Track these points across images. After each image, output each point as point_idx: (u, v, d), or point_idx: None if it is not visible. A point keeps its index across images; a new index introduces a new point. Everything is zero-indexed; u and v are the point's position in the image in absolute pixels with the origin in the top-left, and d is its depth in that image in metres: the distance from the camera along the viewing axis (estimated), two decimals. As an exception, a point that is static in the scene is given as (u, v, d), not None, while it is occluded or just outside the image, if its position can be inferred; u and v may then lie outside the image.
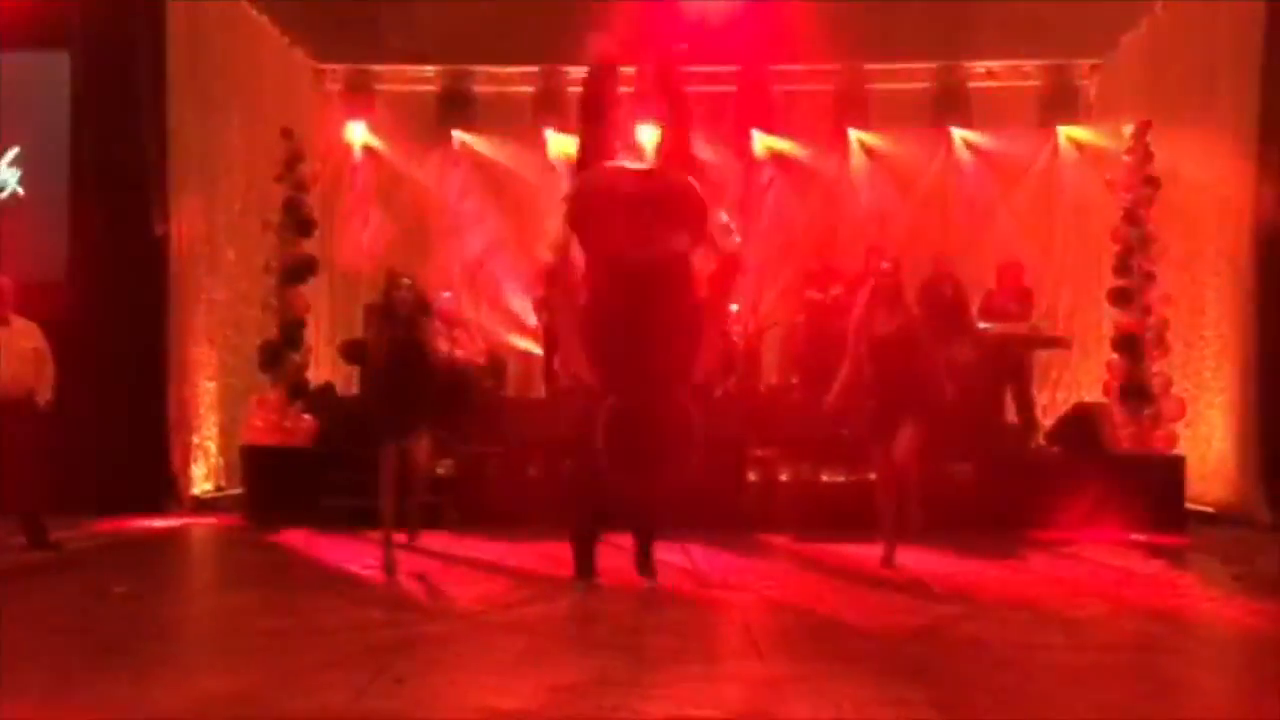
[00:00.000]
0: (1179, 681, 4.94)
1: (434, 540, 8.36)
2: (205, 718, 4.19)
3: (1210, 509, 9.93)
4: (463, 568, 7.48)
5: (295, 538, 8.47)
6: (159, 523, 9.42)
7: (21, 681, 4.56)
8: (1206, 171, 10.36)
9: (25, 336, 7.96)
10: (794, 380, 11.52)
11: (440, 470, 9.67)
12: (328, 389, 11.10)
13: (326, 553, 7.81)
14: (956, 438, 9.37)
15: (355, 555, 7.76)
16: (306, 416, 9.98)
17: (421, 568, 7.41)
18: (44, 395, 7.97)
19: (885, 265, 7.37)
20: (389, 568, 7.06)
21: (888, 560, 7.27)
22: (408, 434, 7.03)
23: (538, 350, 12.25)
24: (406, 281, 7.23)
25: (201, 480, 10.49)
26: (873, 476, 7.59)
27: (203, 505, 10.20)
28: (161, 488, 9.98)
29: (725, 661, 5.14)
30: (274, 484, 9.56)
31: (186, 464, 10.26)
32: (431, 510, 9.11)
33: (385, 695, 4.38)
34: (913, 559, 7.57)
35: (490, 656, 5.05)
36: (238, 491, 10.12)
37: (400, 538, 7.41)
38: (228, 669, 4.95)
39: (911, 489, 7.19)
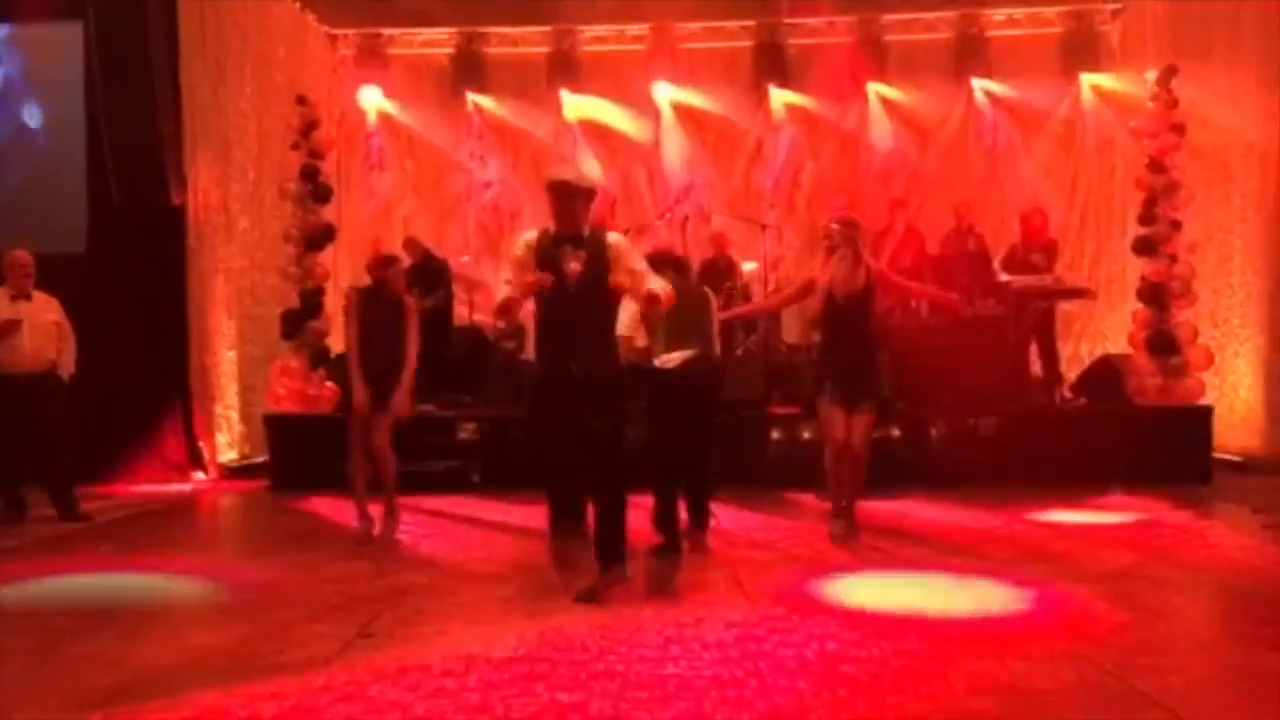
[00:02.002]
0: (1210, 632, 4.92)
1: (458, 504, 8.40)
2: (192, 671, 4.22)
3: (1238, 458, 9.86)
4: (485, 530, 7.50)
5: (320, 504, 8.51)
6: (185, 492, 9.49)
7: (12, 642, 4.64)
8: (1232, 116, 10.20)
9: (46, 310, 7.99)
10: (815, 338, 11.45)
11: (463, 434, 9.71)
12: (349, 356, 11.11)
13: (352, 519, 7.81)
14: (980, 391, 9.36)
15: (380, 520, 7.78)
16: (329, 384, 10.00)
17: (446, 531, 7.45)
18: (66, 368, 8.01)
19: (834, 226, 6.87)
20: (363, 535, 7.01)
21: (846, 533, 6.84)
22: (370, 407, 7.02)
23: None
24: (395, 262, 7.26)
25: (226, 449, 10.55)
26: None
27: (228, 473, 10.27)
28: (187, 457, 10.06)
29: (728, 610, 5.13)
30: (298, 451, 9.60)
31: (210, 433, 10.31)
32: (455, 474, 9.23)
33: (372, 646, 4.41)
34: (938, 513, 7.55)
35: (482, 608, 5.07)
36: (262, 459, 10.18)
37: (376, 508, 7.19)
38: (216, 623, 4.99)
39: (860, 463, 6.83)
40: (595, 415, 5.08)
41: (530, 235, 5.29)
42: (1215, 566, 6.21)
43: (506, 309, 5.30)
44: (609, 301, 5.24)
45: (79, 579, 6.07)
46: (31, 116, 10.48)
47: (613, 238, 5.29)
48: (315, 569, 6.07)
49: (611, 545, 5.26)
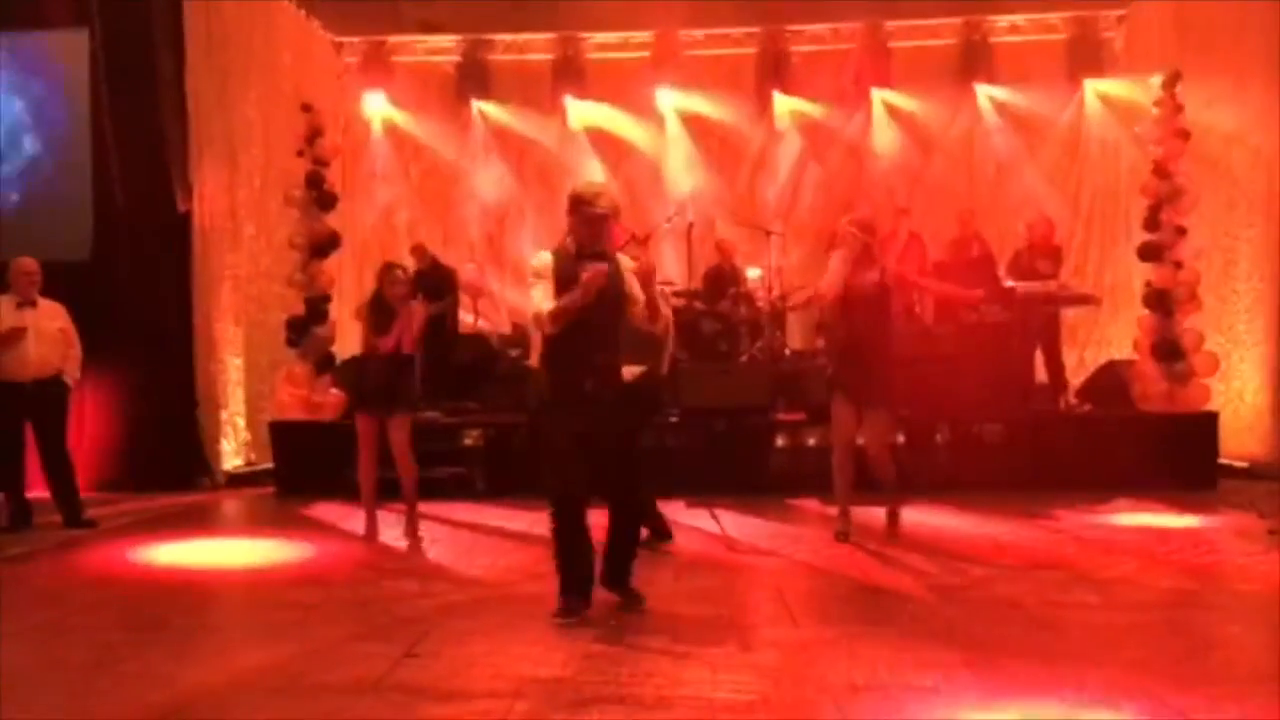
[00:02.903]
0: (1216, 638, 4.90)
1: (463, 510, 8.40)
2: (242, 690, 4.23)
3: (1244, 464, 9.83)
4: (492, 538, 7.51)
5: (326, 511, 8.52)
6: (191, 498, 9.50)
7: (66, 657, 4.63)
8: (1237, 122, 10.19)
9: (52, 317, 8.00)
10: (820, 344, 11.46)
11: (468, 441, 9.71)
12: (354, 362, 11.13)
13: (358, 525, 7.83)
14: (985, 398, 9.34)
15: (386, 527, 7.80)
16: (334, 390, 10.00)
17: (451, 538, 7.45)
18: (71, 375, 8.02)
19: (850, 228, 6.93)
20: (370, 536, 7.27)
21: (848, 530, 7.02)
22: (385, 411, 7.14)
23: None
24: (400, 274, 7.35)
25: (231, 455, 10.55)
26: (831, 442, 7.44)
27: (234, 480, 10.28)
28: (192, 464, 10.06)
29: (759, 627, 5.13)
30: (304, 458, 9.61)
31: (216, 440, 10.32)
32: (460, 481, 9.21)
33: (419, 666, 4.40)
34: (944, 520, 7.54)
35: (523, 626, 5.06)
36: (268, 466, 10.19)
37: (383, 513, 7.37)
38: (264, 641, 4.99)
39: (885, 469, 6.97)
40: (612, 433, 5.09)
41: (546, 255, 5.23)
42: (1218, 573, 6.20)
43: (556, 318, 5.07)
44: (622, 320, 5.21)
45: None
46: (38, 123, 10.51)
47: (628, 264, 5.28)
48: (358, 587, 6.05)
49: (624, 570, 5.29)
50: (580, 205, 5.12)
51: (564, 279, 5.08)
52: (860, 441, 7.01)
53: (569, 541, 5.12)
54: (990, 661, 4.35)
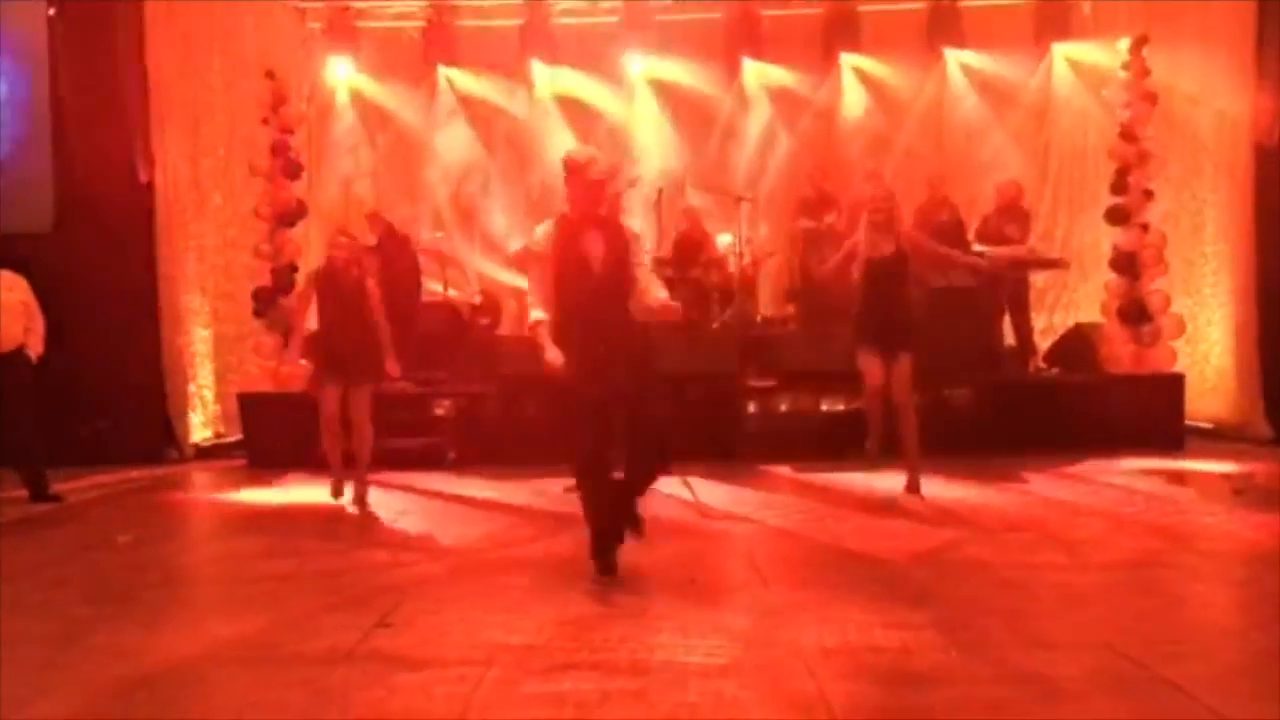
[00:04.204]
0: (1181, 596, 4.97)
1: (434, 480, 8.38)
2: (214, 661, 4.20)
3: (1210, 425, 9.96)
4: (464, 507, 7.49)
5: (297, 482, 8.47)
6: (159, 471, 9.42)
7: (32, 631, 4.58)
8: (1204, 85, 10.23)
9: (13, 290, 7.87)
10: (790, 310, 11.49)
11: (439, 411, 9.67)
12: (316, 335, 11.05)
13: (328, 496, 7.79)
14: (954, 362, 9.38)
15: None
16: (302, 362, 9.92)
17: (422, 508, 7.43)
18: (35, 348, 7.90)
19: (879, 193, 7.28)
20: (336, 493, 7.44)
21: (913, 487, 7.28)
22: (345, 381, 7.20)
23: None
24: (344, 240, 7.34)
25: (200, 428, 10.46)
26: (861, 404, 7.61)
27: (202, 453, 10.20)
28: (160, 437, 9.97)
29: (730, 592, 5.16)
30: (273, 430, 9.54)
31: (184, 412, 10.23)
32: (431, 451, 9.18)
33: (392, 635, 4.39)
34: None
35: (496, 594, 5.06)
36: (236, 439, 10.11)
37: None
38: (235, 613, 4.96)
39: (908, 420, 7.15)
40: (641, 397, 5.10)
41: (547, 225, 5.30)
42: (1184, 533, 6.28)
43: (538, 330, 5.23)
44: (629, 285, 5.19)
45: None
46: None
47: (628, 226, 5.34)
48: (330, 557, 6.01)
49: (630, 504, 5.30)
50: (575, 171, 5.15)
51: (564, 249, 5.14)
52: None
53: (596, 502, 5.17)
54: (959, 622, 4.39)
